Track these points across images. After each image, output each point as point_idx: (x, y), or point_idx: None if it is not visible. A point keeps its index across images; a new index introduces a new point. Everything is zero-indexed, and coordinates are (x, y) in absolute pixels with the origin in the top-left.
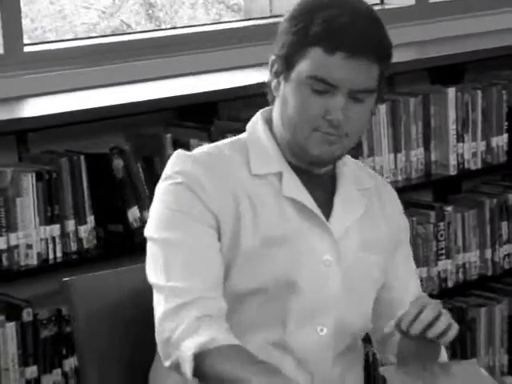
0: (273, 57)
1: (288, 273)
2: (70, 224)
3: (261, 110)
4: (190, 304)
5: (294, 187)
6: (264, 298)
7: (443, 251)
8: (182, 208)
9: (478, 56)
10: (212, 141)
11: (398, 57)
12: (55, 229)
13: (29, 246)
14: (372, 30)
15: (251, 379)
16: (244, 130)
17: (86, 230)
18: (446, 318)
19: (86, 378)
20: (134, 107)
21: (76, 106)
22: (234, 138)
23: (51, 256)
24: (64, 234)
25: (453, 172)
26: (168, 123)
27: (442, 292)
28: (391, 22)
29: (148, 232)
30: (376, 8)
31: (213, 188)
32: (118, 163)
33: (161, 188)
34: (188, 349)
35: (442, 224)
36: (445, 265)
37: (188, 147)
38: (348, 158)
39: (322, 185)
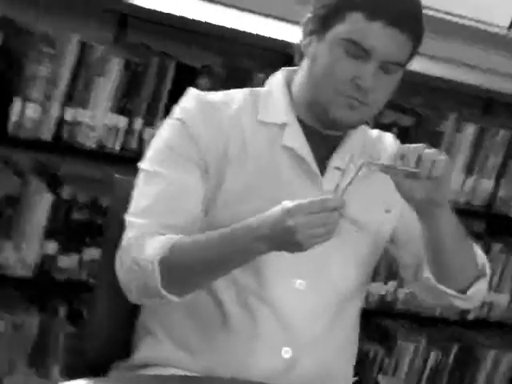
0: (309, 15)
1: None
2: (138, 122)
3: (283, 68)
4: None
5: (295, 138)
6: None
7: None
8: (172, 144)
9: None
10: None
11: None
12: (122, 121)
13: (91, 128)
14: (414, 7)
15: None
16: None
17: (150, 132)
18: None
19: (101, 274)
20: (233, 34)
21: (187, 13)
22: (256, 88)
23: (109, 145)
24: (129, 130)
25: None
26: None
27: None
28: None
29: (141, 162)
30: None
31: (207, 128)
32: (203, 82)
33: (165, 120)
34: (149, 257)
35: None
36: None
37: None
38: (363, 128)
39: (326, 144)
